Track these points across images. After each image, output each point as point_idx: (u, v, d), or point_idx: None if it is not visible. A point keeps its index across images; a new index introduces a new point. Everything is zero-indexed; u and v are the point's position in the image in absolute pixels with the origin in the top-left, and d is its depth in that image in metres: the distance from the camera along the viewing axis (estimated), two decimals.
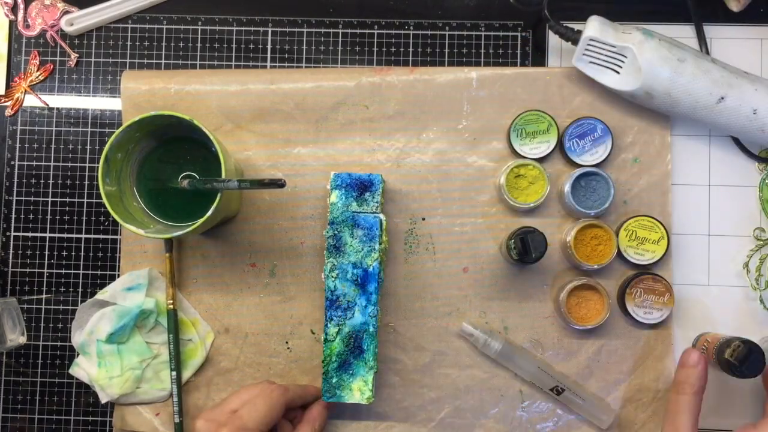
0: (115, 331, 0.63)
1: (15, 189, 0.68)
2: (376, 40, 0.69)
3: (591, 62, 0.63)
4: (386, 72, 0.66)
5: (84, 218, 0.68)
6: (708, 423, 0.64)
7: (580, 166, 0.64)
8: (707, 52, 0.66)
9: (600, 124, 0.64)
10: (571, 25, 0.63)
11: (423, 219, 0.66)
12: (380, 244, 0.61)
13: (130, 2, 0.69)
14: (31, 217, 0.68)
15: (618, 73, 0.62)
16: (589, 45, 0.62)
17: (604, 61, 0.62)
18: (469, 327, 0.64)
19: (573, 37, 0.63)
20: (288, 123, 0.66)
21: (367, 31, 0.69)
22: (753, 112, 0.61)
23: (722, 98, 0.61)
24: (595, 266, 0.63)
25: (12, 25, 0.69)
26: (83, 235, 0.68)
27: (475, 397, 0.64)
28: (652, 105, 0.63)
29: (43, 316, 0.67)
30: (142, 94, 0.66)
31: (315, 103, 0.66)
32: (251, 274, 0.66)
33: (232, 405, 0.57)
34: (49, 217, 0.68)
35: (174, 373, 0.64)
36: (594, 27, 0.61)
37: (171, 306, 0.64)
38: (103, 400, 0.63)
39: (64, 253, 0.68)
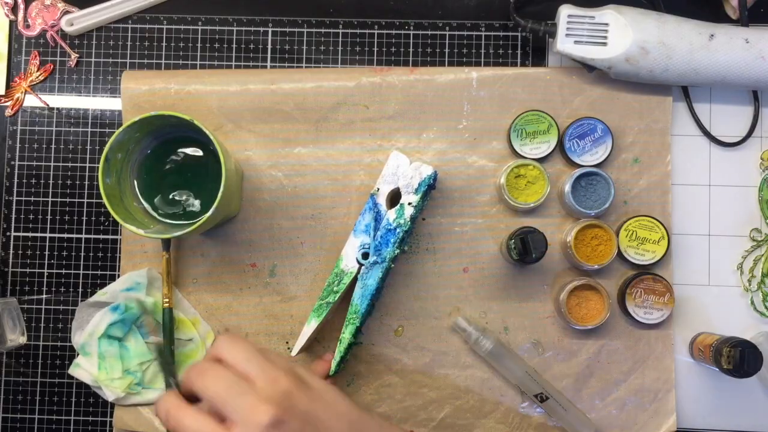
0: (114, 322, 0.63)
1: (15, 189, 0.68)
2: (376, 40, 0.68)
3: (576, 42, 0.63)
4: (386, 72, 0.66)
5: (84, 218, 0.68)
6: (708, 423, 0.64)
7: (581, 166, 0.64)
8: None
9: (600, 124, 0.64)
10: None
11: (423, 219, 0.66)
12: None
13: (130, 2, 0.69)
14: (31, 217, 0.68)
15: (605, 44, 0.62)
16: (569, 23, 0.62)
17: (587, 35, 0.62)
18: (463, 322, 0.63)
19: (549, 30, 0.63)
20: (288, 123, 0.66)
21: (367, 31, 0.69)
22: (746, 41, 0.62)
23: (712, 35, 0.61)
24: (596, 266, 0.63)
25: (12, 25, 0.69)
26: (83, 235, 0.68)
27: (475, 397, 0.64)
28: (650, 64, 0.62)
29: (43, 316, 0.67)
30: (142, 94, 0.66)
31: (315, 103, 0.66)
32: (251, 274, 0.66)
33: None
34: (49, 217, 0.68)
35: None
36: (568, 7, 0.63)
37: (166, 304, 0.64)
38: (109, 398, 0.63)
39: (64, 253, 0.68)
